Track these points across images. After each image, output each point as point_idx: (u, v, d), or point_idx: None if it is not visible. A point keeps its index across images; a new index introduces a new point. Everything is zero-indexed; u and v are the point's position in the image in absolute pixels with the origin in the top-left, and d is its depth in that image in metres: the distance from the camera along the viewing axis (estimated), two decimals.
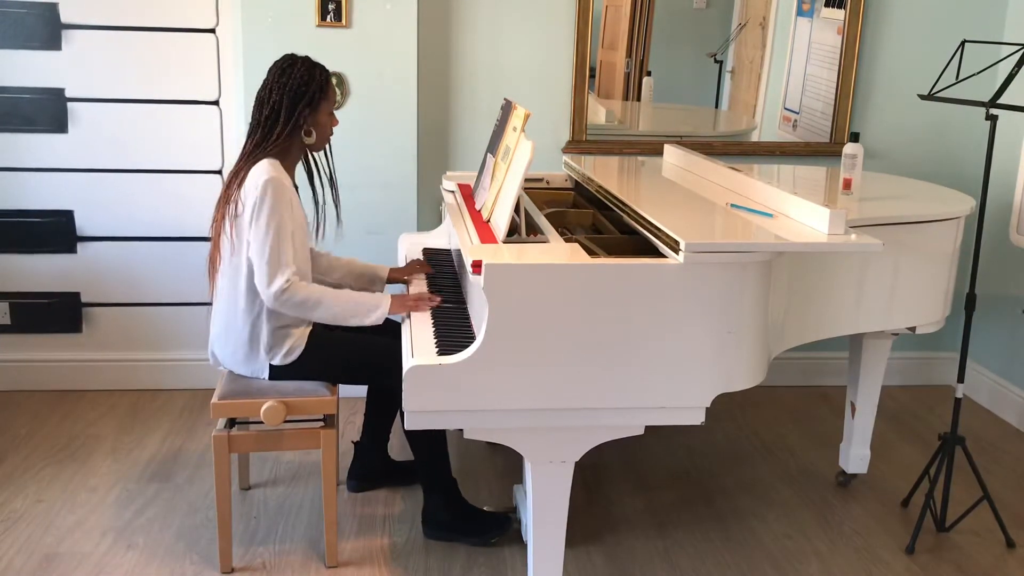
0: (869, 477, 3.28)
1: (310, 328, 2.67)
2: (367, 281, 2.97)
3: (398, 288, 3.00)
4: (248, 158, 2.57)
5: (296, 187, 2.67)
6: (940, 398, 4.06)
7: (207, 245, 2.66)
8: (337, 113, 3.63)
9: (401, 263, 3.12)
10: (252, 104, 2.63)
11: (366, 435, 3.09)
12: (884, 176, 3.44)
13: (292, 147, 2.62)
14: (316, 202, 2.79)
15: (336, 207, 2.84)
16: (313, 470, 3.22)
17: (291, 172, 2.64)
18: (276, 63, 2.61)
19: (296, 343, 2.61)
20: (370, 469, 3.10)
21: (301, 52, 3.48)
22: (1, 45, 3.58)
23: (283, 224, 2.48)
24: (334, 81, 2.65)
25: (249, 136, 2.60)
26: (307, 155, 2.77)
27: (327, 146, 2.75)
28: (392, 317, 2.62)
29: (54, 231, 3.75)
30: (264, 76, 2.61)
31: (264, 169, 2.50)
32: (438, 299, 2.60)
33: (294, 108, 2.56)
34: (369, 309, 2.56)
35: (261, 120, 2.57)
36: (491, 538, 2.78)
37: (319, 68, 2.62)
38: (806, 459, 3.46)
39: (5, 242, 3.75)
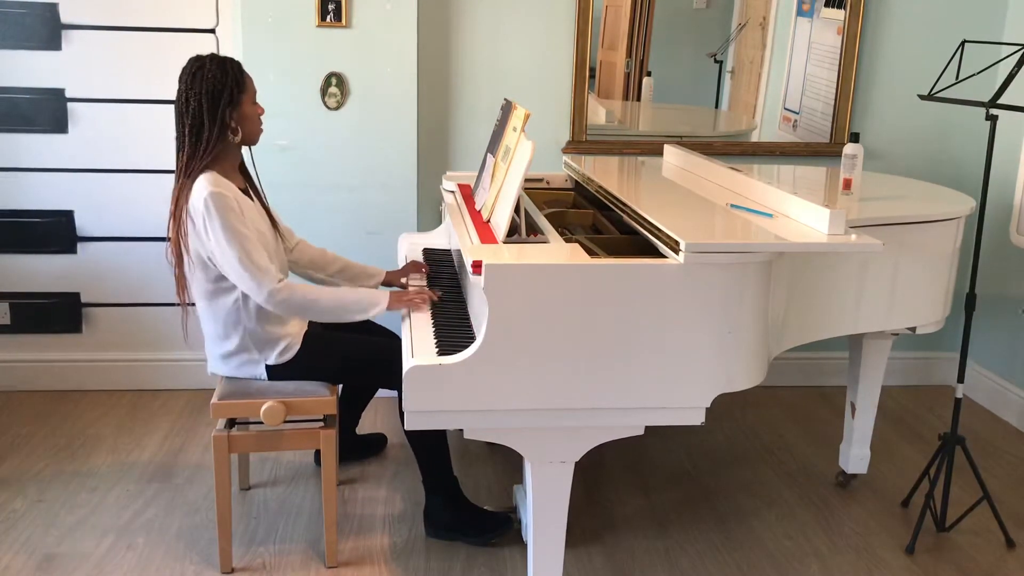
0: (869, 477, 3.28)
1: (305, 328, 2.67)
2: (361, 281, 2.93)
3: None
4: (186, 173, 2.48)
5: (249, 190, 2.63)
6: (940, 398, 4.06)
7: None
8: (337, 113, 3.66)
9: (401, 263, 3.11)
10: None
11: (339, 415, 3.07)
12: (884, 176, 3.44)
13: (227, 151, 2.54)
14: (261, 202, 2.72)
15: (266, 208, 2.72)
16: (313, 470, 3.22)
17: (233, 177, 2.56)
18: (184, 68, 2.51)
19: (292, 342, 2.61)
20: (339, 446, 3.11)
21: (301, 52, 3.49)
22: (1, 45, 3.58)
23: (240, 232, 2.43)
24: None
25: (178, 151, 2.51)
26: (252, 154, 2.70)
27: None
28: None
29: (54, 231, 3.75)
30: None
31: (202, 186, 2.44)
32: (437, 294, 2.60)
33: (215, 109, 2.47)
34: (367, 306, 2.54)
35: (186, 131, 2.48)
36: (492, 537, 2.78)
37: (229, 61, 2.53)
38: (806, 459, 3.46)
39: (5, 242, 3.75)
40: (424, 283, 2.87)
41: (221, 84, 2.48)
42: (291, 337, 2.62)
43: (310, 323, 2.71)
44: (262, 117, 2.62)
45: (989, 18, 3.88)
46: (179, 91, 2.50)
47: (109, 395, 3.85)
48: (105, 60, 3.63)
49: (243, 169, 2.68)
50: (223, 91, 2.48)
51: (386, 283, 2.95)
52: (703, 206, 2.63)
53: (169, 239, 2.54)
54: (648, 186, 3.04)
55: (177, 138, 2.52)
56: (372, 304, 2.54)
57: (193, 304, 2.67)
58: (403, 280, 2.93)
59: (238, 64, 2.55)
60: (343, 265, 2.94)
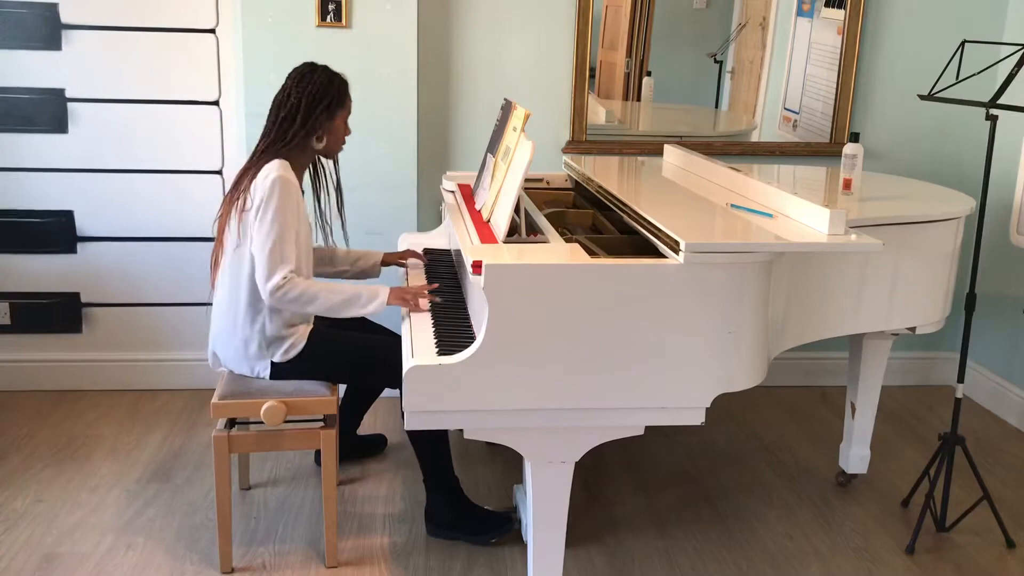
0: (869, 477, 3.28)
1: (311, 327, 2.68)
2: (364, 266, 3.02)
3: (396, 274, 3.04)
4: (261, 156, 2.60)
5: (303, 191, 2.69)
6: (940, 398, 4.06)
7: (208, 245, 2.68)
8: None
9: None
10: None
11: (341, 416, 3.09)
12: (884, 176, 3.44)
13: (304, 151, 2.65)
14: (319, 208, 2.85)
15: (341, 214, 2.89)
16: (313, 470, 3.22)
17: (299, 175, 2.66)
18: (296, 69, 2.66)
19: (297, 340, 2.63)
20: (339, 446, 3.11)
21: (301, 52, 3.50)
22: (1, 45, 3.58)
23: (287, 222, 2.50)
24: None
25: (263, 136, 2.64)
26: (315, 162, 2.81)
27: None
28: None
29: (54, 231, 3.75)
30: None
31: (274, 167, 2.53)
32: (436, 299, 2.60)
33: (311, 112, 2.60)
34: (367, 300, 2.56)
35: (278, 121, 2.61)
36: (492, 537, 2.78)
37: (339, 77, 2.67)
38: (806, 459, 3.46)
39: (5, 242, 3.75)
40: (424, 282, 2.87)
41: (324, 91, 2.62)
42: (297, 335, 2.63)
43: (315, 322, 2.73)
44: (347, 138, 2.75)
45: (989, 18, 3.88)
46: (284, 86, 2.64)
47: (109, 395, 3.85)
48: (105, 60, 3.63)
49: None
50: (324, 98, 2.62)
51: (384, 263, 3.05)
52: (703, 206, 2.63)
53: (220, 215, 2.62)
54: (648, 186, 3.04)
55: (266, 125, 2.65)
56: (371, 299, 2.56)
57: (203, 304, 2.70)
58: (401, 262, 3.05)
59: (346, 82, 2.69)
60: (344, 252, 3.02)
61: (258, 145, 2.64)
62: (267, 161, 2.56)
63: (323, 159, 2.83)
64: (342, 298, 2.54)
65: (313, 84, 2.61)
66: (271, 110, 2.64)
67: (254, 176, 2.56)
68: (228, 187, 2.66)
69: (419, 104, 3.63)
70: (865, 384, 3.14)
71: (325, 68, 2.66)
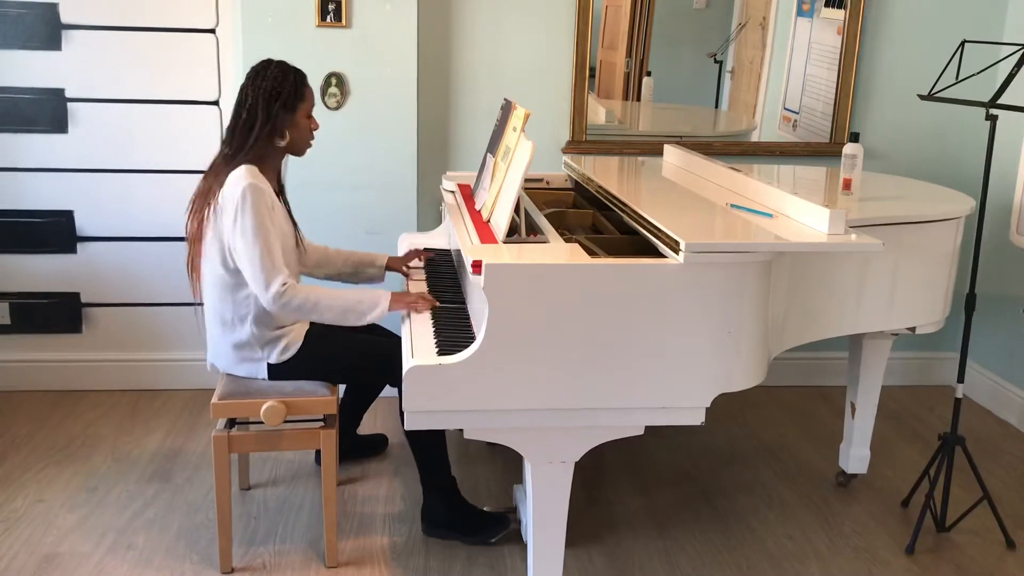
0: (869, 477, 3.28)
1: (307, 326, 2.68)
2: (365, 268, 3.00)
3: (398, 279, 3.03)
4: (227, 161, 2.56)
5: (280, 192, 2.67)
6: (940, 398, 4.06)
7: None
8: (337, 113, 3.66)
9: None
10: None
11: (341, 415, 3.09)
12: (884, 176, 3.44)
13: (270, 152, 2.60)
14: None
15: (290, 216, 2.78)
16: (313, 470, 3.22)
17: (271, 178, 2.62)
18: (253, 68, 2.60)
19: (292, 340, 2.62)
20: (340, 446, 3.11)
21: (301, 52, 3.50)
22: (1, 45, 3.58)
23: (267, 229, 2.48)
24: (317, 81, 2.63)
25: (227, 141, 2.59)
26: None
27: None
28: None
29: (54, 231, 3.75)
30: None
31: (242, 175, 2.49)
32: (437, 303, 2.60)
33: (270, 110, 2.54)
34: (369, 307, 2.55)
35: (239, 124, 2.56)
36: (490, 538, 2.78)
37: (294, 70, 2.61)
38: (806, 459, 3.46)
39: (5, 242, 3.75)
40: (425, 285, 2.87)
41: (280, 87, 2.56)
42: (293, 335, 2.63)
43: (311, 321, 2.72)
44: (315, 132, 2.68)
45: (989, 18, 3.88)
46: (242, 86, 2.59)
47: (109, 395, 3.85)
48: (105, 60, 3.63)
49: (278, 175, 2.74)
50: (280, 94, 2.56)
51: (388, 268, 3.02)
52: (703, 206, 2.63)
53: (189, 222, 2.59)
54: (648, 186, 3.04)
55: (228, 129, 2.60)
56: (373, 306, 2.55)
57: (200, 304, 2.69)
58: (405, 268, 3.00)
59: (303, 75, 2.63)
60: (347, 256, 3.00)
61: (222, 148, 2.60)
62: (234, 167, 2.52)
63: (293, 156, 2.72)
64: (343, 306, 2.53)
65: (267, 81, 2.55)
66: (232, 113, 2.59)
67: (222, 184, 2.52)
68: (195, 192, 2.60)
69: (419, 104, 3.63)
70: (865, 384, 3.14)
71: (280, 63, 2.60)
